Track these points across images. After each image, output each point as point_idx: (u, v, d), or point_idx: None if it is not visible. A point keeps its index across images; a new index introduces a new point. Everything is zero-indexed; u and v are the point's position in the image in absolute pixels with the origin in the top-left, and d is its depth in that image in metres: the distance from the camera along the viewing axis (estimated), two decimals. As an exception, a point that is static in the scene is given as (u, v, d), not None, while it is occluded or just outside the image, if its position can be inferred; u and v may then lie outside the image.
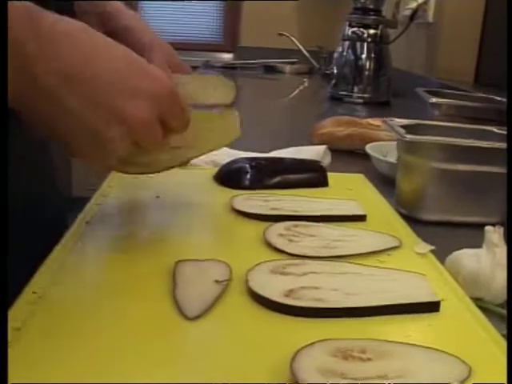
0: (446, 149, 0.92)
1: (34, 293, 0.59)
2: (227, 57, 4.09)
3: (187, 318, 0.56)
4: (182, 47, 4.33)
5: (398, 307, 0.60)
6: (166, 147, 0.68)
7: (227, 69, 3.40)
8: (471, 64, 2.34)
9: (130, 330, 0.54)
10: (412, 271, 0.68)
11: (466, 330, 0.58)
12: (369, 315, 0.59)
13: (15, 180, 0.64)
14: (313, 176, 1.01)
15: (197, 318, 0.56)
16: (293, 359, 0.47)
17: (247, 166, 0.99)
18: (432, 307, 0.61)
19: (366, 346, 0.51)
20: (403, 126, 0.98)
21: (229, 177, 0.99)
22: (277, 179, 0.98)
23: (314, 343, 0.50)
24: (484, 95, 1.70)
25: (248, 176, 0.97)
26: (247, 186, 0.96)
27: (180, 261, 0.67)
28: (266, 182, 0.98)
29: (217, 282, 0.63)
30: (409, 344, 0.52)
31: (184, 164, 0.75)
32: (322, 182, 1.01)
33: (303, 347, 0.49)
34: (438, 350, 0.52)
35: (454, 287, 0.67)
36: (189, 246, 0.75)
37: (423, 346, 0.52)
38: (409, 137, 0.92)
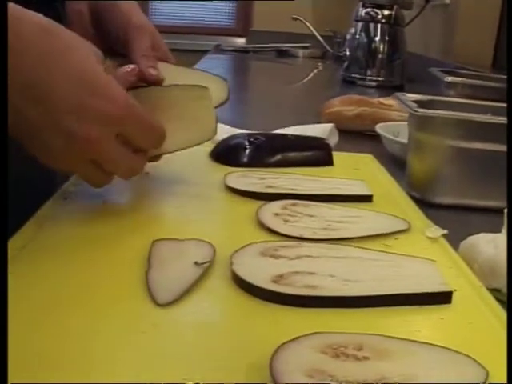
0: (462, 125, 0.83)
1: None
2: (239, 41, 4.02)
3: (158, 305, 0.49)
4: (193, 31, 4.30)
5: (403, 298, 0.52)
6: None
7: (239, 52, 3.32)
8: (489, 47, 2.25)
9: (93, 317, 0.47)
10: (421, 257, 0.59)
11: (481, 325, 0.50)
12: (369, 306, 0.51)
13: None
14: (316, 154, 0.93)
15: (169, 304, 0.49)
16: (273, 356, 0.40)
17: (245, 142, 0.91)
18: (443, 298, 0.53)
19: (363, 343, 0.43)
20: (415, 102, 0.90)
21: (226, 153, 0.91)
22: (277, 157, 0.90)
23: (299, 337, 0.42)
24: (502, 76, 1.60)
25: (246, 153, 0.89)
26: (245, 163, 0.88)
27: (157, 240, 0.59)
28: (265, 159, 0.90)
29: (196, 264, 0.55)
30: (414, 341, 0.44)
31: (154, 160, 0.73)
32: (326, 161, 0.92)
33: (286, 342, 0.41)
34: (448, 349, 0.44)
35: (469, 276, 0.59)
36: (172, 225, 0.68)
37: (431, 344, 0.44)
38: (421, 111, 0.84)
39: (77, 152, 0.60)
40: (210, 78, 0.76)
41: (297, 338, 0.42)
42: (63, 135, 0.59)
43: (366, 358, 0.41)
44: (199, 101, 0.71)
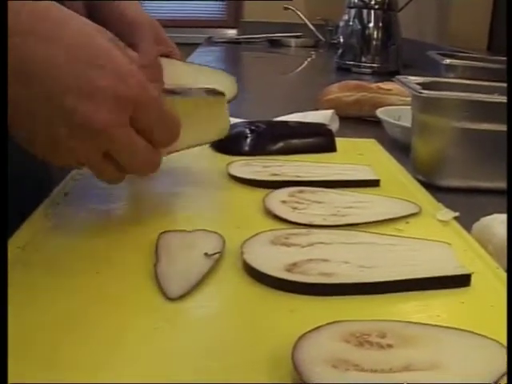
0: (468, 106, 0.81)
1: None
2: (231, 32, 3.99)
3: (168, 298, 0.47)
4: (184, 24, 4.26)
5: (421, 282, 0.51)
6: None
7: (231, 44, 3.29)
8: (484, 30, 2.23)
9: (102, 315, 0.45)
10: (436, 240, 0.58)
11: (503, 307, 0.48)
12: (387, 292, 0.50)
13: None
14: (319, 140, 0.91)
15: (180, 298, 0.47)
16: (295, 348, 0.38)
17: (247, 130, 0.89)
18: (462, 281, 0.51)
19: (386, 329, 0.41)
20: (418, 84, 0.88)
21: (227, 143, 0.88)
22: (279, 144, 0.88)
23: (320, 327, 0.40)
24: (500, 57, 1.58)
25: (247, 141, 0.87)
26: (247, 152, 0.86)
27: (164, 232, 0.57)
28: (267, 147, 0.88)
29: (206, 255, 0.53)
30: (438, 326, 0.43)
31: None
32: (329, 147, 0.91)
33: (307, 332, 0.40)
34: (474, 333, 0.42)
35: (485, 258, 0.57)
36: (178, 216, 0.66)
37: (455, 329, 0.42)
38: (426, 93, 0.82)
39: (85, 141, 0.51)
40: (218, 75, 0.74)
41: (317, 327, 0.40)
42: (67, 121, 0.50)
43: (390, 346, 0.39)
44: (214, 104, 0.69)
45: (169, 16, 4.29)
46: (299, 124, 0.96)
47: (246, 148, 0.87)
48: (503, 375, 0.38)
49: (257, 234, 0.57)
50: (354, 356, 0.38)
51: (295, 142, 0.90)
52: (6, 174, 0.49)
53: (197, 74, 0.73)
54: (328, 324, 0.41)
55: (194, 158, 0.83)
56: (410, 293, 0.50)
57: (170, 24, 4.14)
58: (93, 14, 0.73)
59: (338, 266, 0.51)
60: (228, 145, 0.87)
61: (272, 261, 0.52)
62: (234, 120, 1.02)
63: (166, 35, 0.74)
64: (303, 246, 0.55)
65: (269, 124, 0.94)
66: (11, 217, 0.51)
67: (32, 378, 0.37)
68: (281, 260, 0.52)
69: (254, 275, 0.51)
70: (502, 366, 0.38)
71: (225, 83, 0.71)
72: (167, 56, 0.73)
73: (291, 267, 0.50)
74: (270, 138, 0.89)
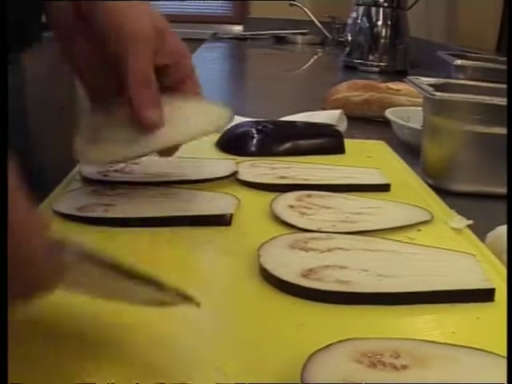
0: (482, 109, 0.79)
1: None
2: (237, 29, 3.96)
3: None
4: (190, 19, 4.24)
5: (445, 295, 0.49)
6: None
7: (236, 40, 3.27)
8: (493, 31, 2.20)
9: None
10: (461, 251, 0.56)
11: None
12: (405, 304, 0.48)
13: None
14: (327, 141, 0.89)
15: None
16: (304, 369, 0.36)
17: (253, 130, 0.87)
18: (486, 296, 0.49)
19: (400, 348, 0.38)
20: (429, 85, 0.85)
21: (233, 142, 0.87)
22: (287, 145, 0.86)
23: (330, 345, 0.38)
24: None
25: (254, 141, 0.85)
26: (253, 152, 0.84)
27: None
28: (274, 148, 0.86)
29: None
30: (453, 345, 0.40)
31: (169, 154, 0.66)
32: (338, 148, 0.88)
33: (317, 351, 0.37)
34: (491, 352, 0.40)
35: (501, 270, 0.55)
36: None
37: (472, 348, 0.40)
38: (438, 95, 0.80)
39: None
40: (212, 109, 0.68)
41: (328, 345, 0.38)
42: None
43: (404, 367, 0.37)
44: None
45: (175, 11, 4.28)
46: (307, 124, 0.94)
47: (253, 148, 0.85)
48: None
49: (275, 237, 0.55)
50: (367, 378, 0.35)
51: (303, 143, 0.87)
52: (6, 174, 0.46)
53: (190, 105, 0.67)
54: (339, 342, 0.38)
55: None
56: (425, 306, 0.48)
57: (176, 19, 4.13)
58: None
59: (357, 274, 0.49)
60: (234, 145, 0.86)
61: (289, 266, 0.50)
62: (240, 119, 1.00)
63: (171, 39, 0.65)
64: (322, 252, 0.53)
65: (276, 124, 0.92)
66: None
67: None
68: (298, 265, 0.50)
69: (270, 280, 0.49)
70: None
71: (217, 119, 0.66)
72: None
73: (308, 273, 0.49)
74: (277, 138, 0.87)
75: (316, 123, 0.95)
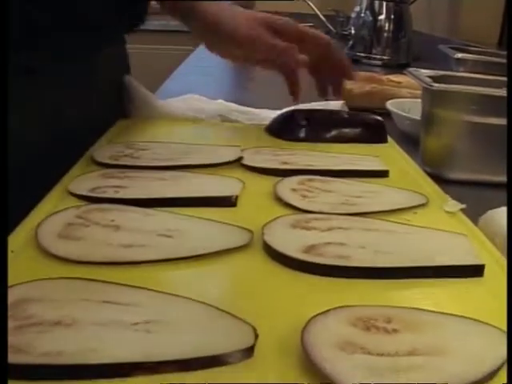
0: (479, 100, 0.82)
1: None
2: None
3: None
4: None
5: (437, 270, 0.52)
6: None
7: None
8: (495, 25, 2.22)
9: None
10: (453, 231, 0.59)
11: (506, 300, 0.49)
12: (398, 277, 0.51)
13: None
14: (371, 130, 0.95)
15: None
16: (304, 330, 0.39)
17: (302, 116, 0.94)
18: (476, 272, 0.52)
19: (392, 315, 0.42)
20: (429, 77, 0.88)
21: (283, 128, 0.93)
22: (333, 132, 0.92)
23: (328, 310, 0.41)
24: (512, 52, 1.58)
25: (304, 128, 0.92)
26: (302, 138, 0.90)
27: None
28: (321, 134, 0.91)
29: None
30: (442, 313, 0.44)
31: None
32: (380, 137, 0.94)
33: (316, 315, 0.41)
34: (477, 320, 0.43)
35: (491, 250, 0.58)
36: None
37: (460, 316, 0.43)
38: (436, 86, 0.83)
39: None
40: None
41: (326, 311, 0.41)
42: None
43: (395, 331, 0.40)
44: None
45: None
46: (351, 114, 1.00)
47: (303, 134, 0.91)
48: (505, 362, 0.39)
49: (278, 217, 0.58)
50: (361, 339, 0.39)
51: (348, 131, 0.93)
52: (6, 173, 0.49)
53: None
54: (336, 308, 0.42)
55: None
56: (418, 280, 0.51)
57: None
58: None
59: (355, 250, 0.53)
60: (284, 130, 0.92)
61: (291, 243, 0.53)
62: (246, 110, 1.04)
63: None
64: (322, 230, 0.56)
65: (323, 112, 0.99)
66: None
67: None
68: (300, 242, 0.53)
69: (274, 255, 0.52)
70: (504, 352, 0.39)
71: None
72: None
73: (309, 249, 0.52)
74: (324, 125, 0.93)
75: (359, 113, 1.01)
